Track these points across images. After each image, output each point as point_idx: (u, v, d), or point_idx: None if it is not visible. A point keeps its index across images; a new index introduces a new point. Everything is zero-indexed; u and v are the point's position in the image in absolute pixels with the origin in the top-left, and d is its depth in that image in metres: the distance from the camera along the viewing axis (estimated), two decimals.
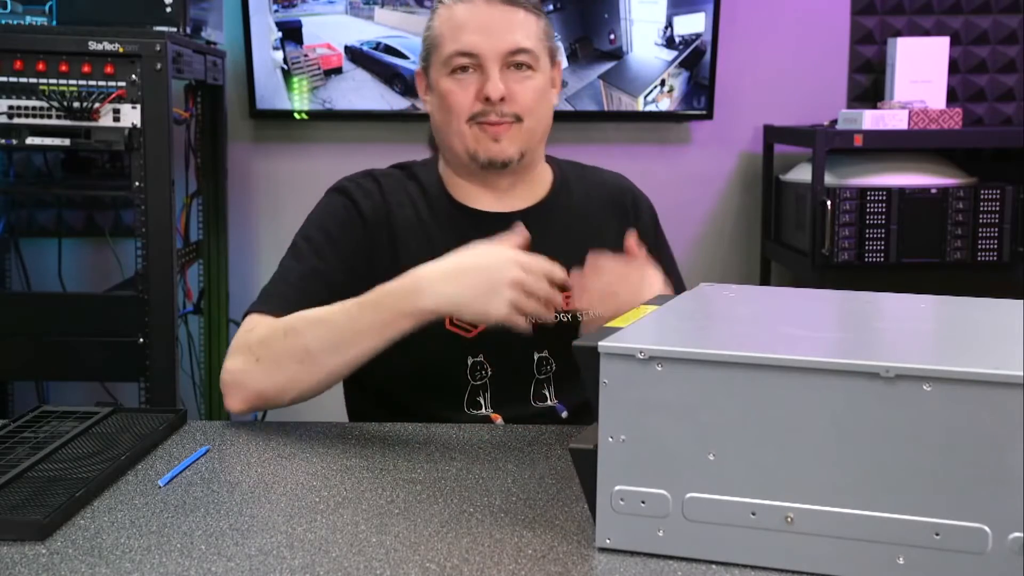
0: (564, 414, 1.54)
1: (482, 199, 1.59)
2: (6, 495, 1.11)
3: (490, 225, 1.53)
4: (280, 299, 1.47)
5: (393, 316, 1.35)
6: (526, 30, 1.54)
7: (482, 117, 1.52)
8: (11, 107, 2.31)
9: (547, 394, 1.56)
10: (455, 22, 1.53)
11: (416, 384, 1.54)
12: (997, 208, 2.75)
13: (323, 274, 1.50)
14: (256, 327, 1.44)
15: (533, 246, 1.55)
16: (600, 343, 0.98)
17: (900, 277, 2.88)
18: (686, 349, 0.96)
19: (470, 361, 1.53)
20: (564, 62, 1.55)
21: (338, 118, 3.05)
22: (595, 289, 1.37)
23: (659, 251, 1.64)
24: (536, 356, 1.55)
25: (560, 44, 1.61)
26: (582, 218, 1.62)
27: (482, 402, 1.54)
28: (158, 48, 2.31)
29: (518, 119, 1.53)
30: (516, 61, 1.52)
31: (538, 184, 1.63)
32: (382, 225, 1.55)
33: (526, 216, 1.57)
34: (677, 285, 1.62)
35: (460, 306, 1.33)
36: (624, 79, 3.03)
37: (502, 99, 1.51)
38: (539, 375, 1.55)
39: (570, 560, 0.99)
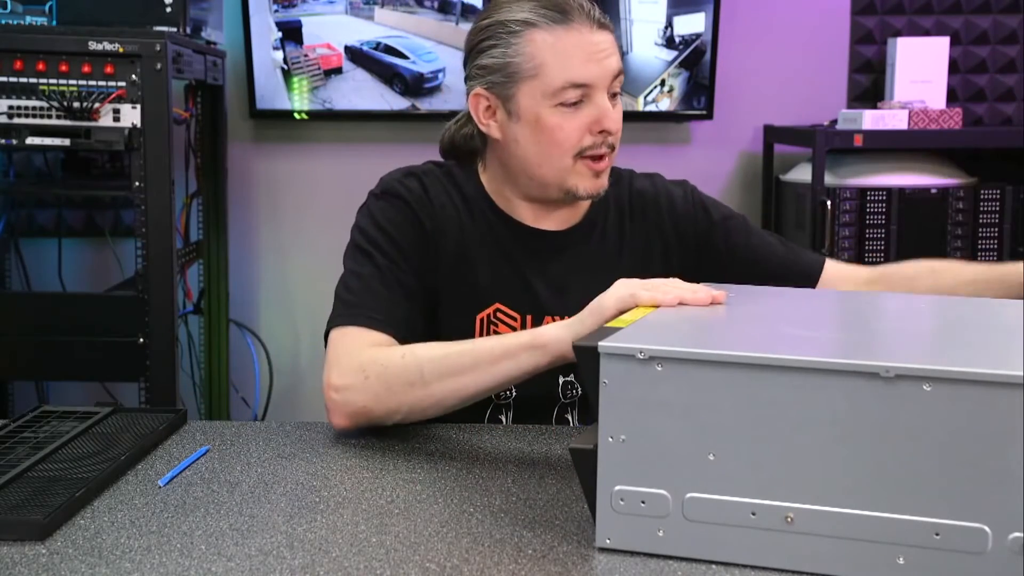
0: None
1: (525, 213, 1.52)
2: (6, 495, 1.11)
3: (531, 240, 1.51)
4: (368, 308, 1.40)
5: (512, 345, 1.29)
6: (617, 52, 1.46)
7: (592, 150, 1.44)
8: (11, 107, 2.31)
9: (569, 418, 1.53)
10: (561, 50, 1.41)
11: None
12: (997, 208, 2.75)
13: (398, 277, 1.44)
14: (362, 344, 1.37)
15: (572, 265, 1.53)
16: (600, 343, 0.98)
17: None
18: (686, 349, 0.96)
19: None
20: None
21: (338, 118, 3.04)
22: None
23: (718, 221, 1.59)
24: (562, 380, 1.51)
25: None
26: (621, 235, 1.56)
27: (503, 419, 1.52)
28: (158, 48, 2.31)
29: (612, 148, 1.46)
30: (614, 88, 1.46)
31: (579, 203, 1.55)
32: (429, 224, 1.48)
33: (568, 236, 1.53)
34: (770, 237, 1.62)
35: (577, 326, 1.25)
36: (624, 79, 3.03)
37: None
38: (564, 399, 1.53)
39: (570, 560, 0.99)
